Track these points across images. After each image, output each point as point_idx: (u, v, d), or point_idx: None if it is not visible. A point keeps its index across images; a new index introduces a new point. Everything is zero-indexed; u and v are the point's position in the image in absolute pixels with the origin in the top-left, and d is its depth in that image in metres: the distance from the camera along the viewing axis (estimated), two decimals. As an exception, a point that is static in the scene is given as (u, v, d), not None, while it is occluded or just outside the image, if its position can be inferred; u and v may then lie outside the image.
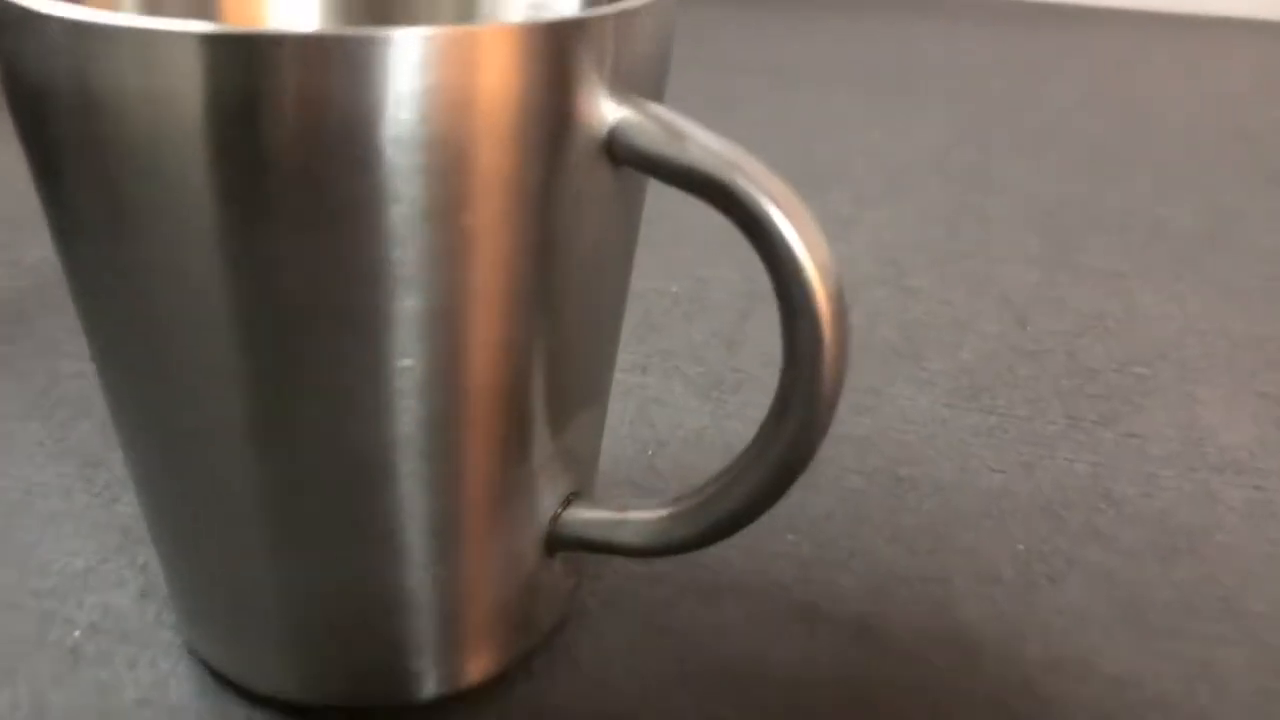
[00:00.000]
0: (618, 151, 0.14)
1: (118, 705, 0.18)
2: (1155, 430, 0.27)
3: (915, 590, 0.21)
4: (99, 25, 0.12)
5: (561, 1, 0.18)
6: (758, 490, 0.15)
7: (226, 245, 0.13)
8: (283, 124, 0.12)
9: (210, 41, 0.11)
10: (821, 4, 0.83)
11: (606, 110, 0.14)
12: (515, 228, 0.13)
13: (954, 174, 0.45)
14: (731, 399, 0.27)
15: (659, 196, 0.41)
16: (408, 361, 0.14)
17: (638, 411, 0.27)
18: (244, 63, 0.11)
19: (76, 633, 0.19)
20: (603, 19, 0.13)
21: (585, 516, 0.17)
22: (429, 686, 0.17)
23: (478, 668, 0.17)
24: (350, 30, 0.11)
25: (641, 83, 0.14)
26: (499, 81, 0.12)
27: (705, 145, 0.14)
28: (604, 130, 0.14)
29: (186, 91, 0.12)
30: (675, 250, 0.36)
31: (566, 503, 0.17)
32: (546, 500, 0.17)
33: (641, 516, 0.17)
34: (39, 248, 0.35)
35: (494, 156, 0.13)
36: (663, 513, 0.17)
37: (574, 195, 0.14)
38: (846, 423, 0.26)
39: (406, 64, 0.12)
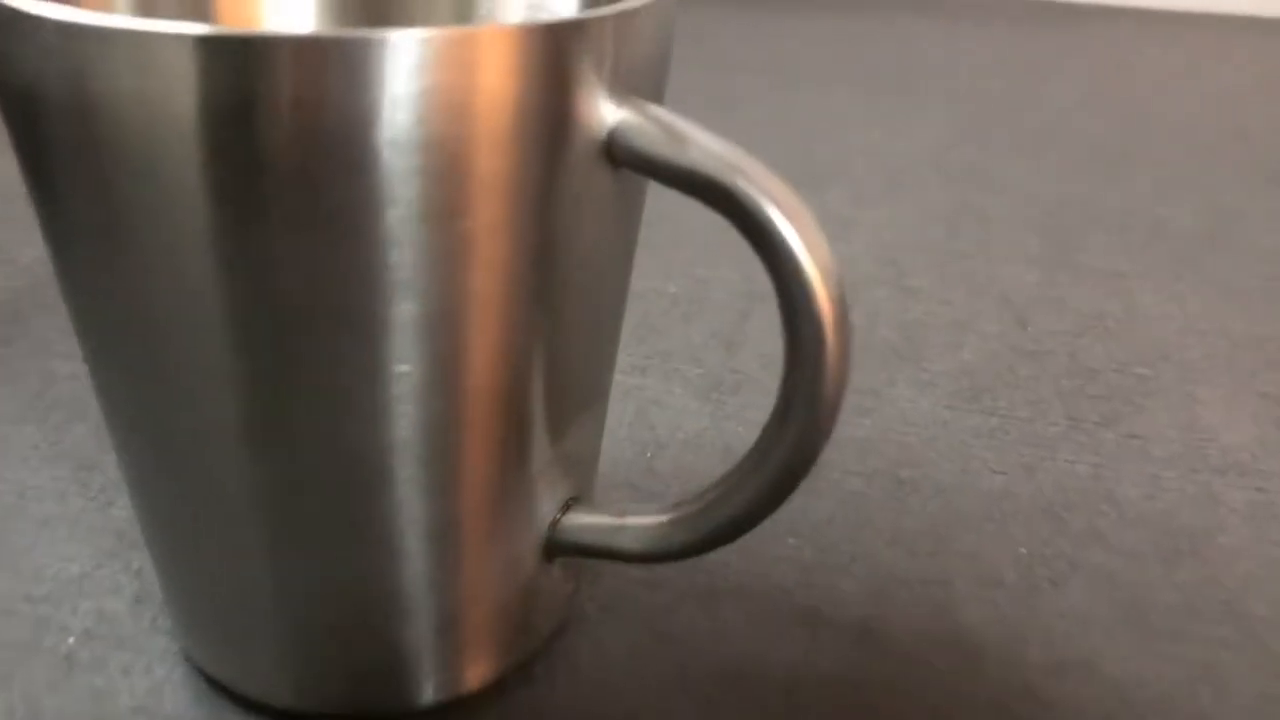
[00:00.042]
0: (617, 154, 0.14)
1: (113, 713, 0.17)
2: (1157, 431, 0.26)
3: (917, 593, 0.21)
4: (92, 27, 0.11)
5: (560, 2, 0.18)
6: (759, 495, 0.15)
7: (221, 249, 0.12)
8: (278, 126, 0.12)
9: (205, 43, 0.11)
10: (821, 3, 0.83)
11: (606, 112, 0.14)
12: (513, 231, 0.13)
13: (954, 174, 0.45)
14: (731, 400, 0.27)
15: (657, 196, 0.41)
16: (405, 366, 0.14)
17: (637, 413, 0.27)
18: (239, 65, 0.11)
19: (71, 639, 0.19)
20: (602, 20, 0.13)
21: (584, 522, 0.17)
22: (427, 693, 0.17)
23: (476, 674, 0.17)
24: (346, 32, 0.11)
25: (641, 84, 0.14)
26: (497, 83, 0.12)
27: (706, 147, 0.13)
28: (603, 132, 0.14)
29: (181, 94, 0.11)
30: (674, 250, 0.36)
31: (565, 508, 0.17)
32: (545, 505, 0.17)
33: (641, 522, 0.17)
34: (33, 248, 0.35)
35: (492, 159, 0.13)
36: (663, 518, 0.16)
37: (573, 198, 0.14)
38: (847, 424, 0.26)
39: (403, 66, 0.12)
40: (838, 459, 0.25)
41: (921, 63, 0.65)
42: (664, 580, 0.21)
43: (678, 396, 0.27)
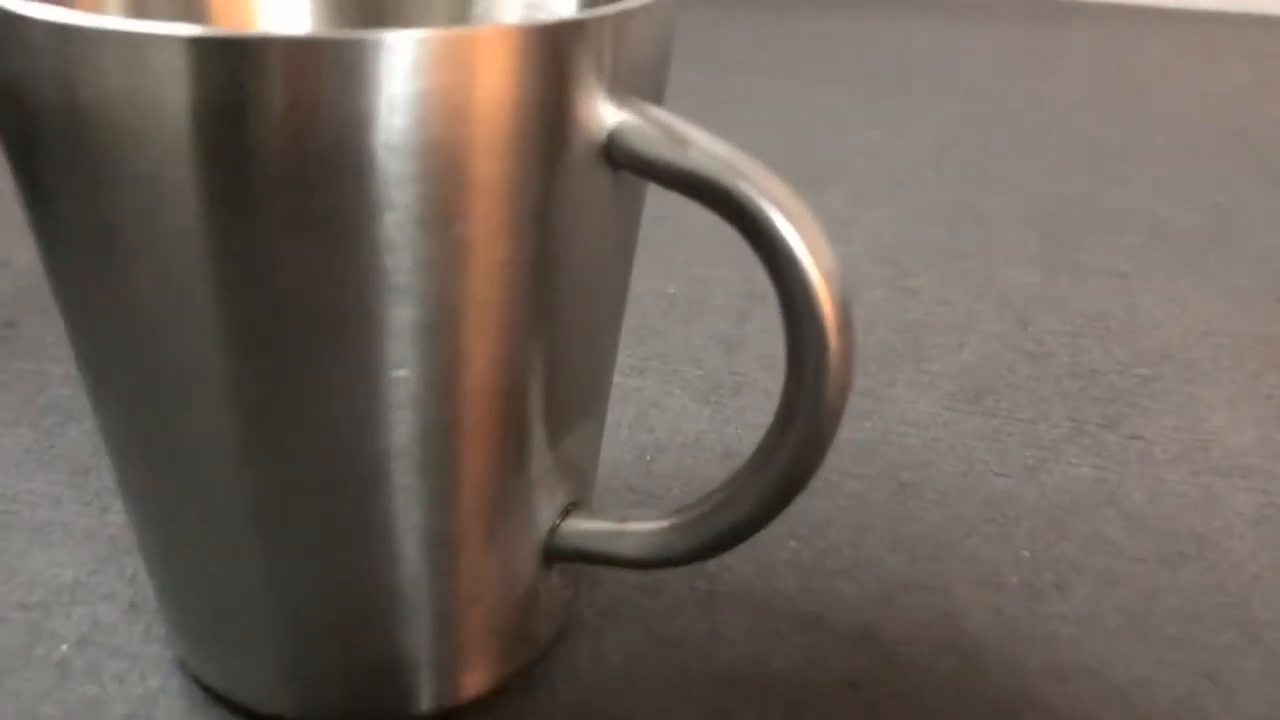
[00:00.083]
0: (617, 156, 0.14)
1: (107, 721, 0.17)
2: (1160, 433, 0.26)
3: (918, 598, 0.21)
4: (83, 28, 0.11)
5: (558, 2, 0.18)
6: (762, 502, 0.15)
7: (214, 254, 0.12)
8: (272, 130, 0.11)
9: (198, 44, 0.11)
10: (820, 3, 0.83)
11: (605, 113, 0.13)
12: (511, 235, 0.13)
13: (954, 173, 0.45)
14: (731, 403, 0.27)
15: (657, 197, 0.41)
16: (402, 371, 0.13)
17: (636, 416, 0.26)
18: (232, 67, 0.11)
19: (64, 647, 0.19)
20: (601, 20, 0.13)
21: (584, 528, 0.17)
22: (425, 701, 0.17)
23: (475, 681, 0.17)
24: (341, 33, 0.11)
25: (641, 85, 0.14)
26: (495, 85, 0.12)
27: (707, 149, 0.13)
28: (603, 134, 0.13)
29: (173, 97, 0.11)
30: (673, 251, 0.36)
31: (565, 513, 0.17)
32: (544, 511, 0.16)
33: (641, 528, 0.16)
34: (26, 250, 0.35)
35: (490, 162, 0.12)
36: (664, 524, 0.16)
37: (572, 201, 0.14)
38: (847, 426, 0.26)
39: (399, 67, 0.11)
40: (838, 461, 0.25)
41: (921, 62, 0.65)
42: (663, 585, 0.21)
43: (677, 398, 0.27)
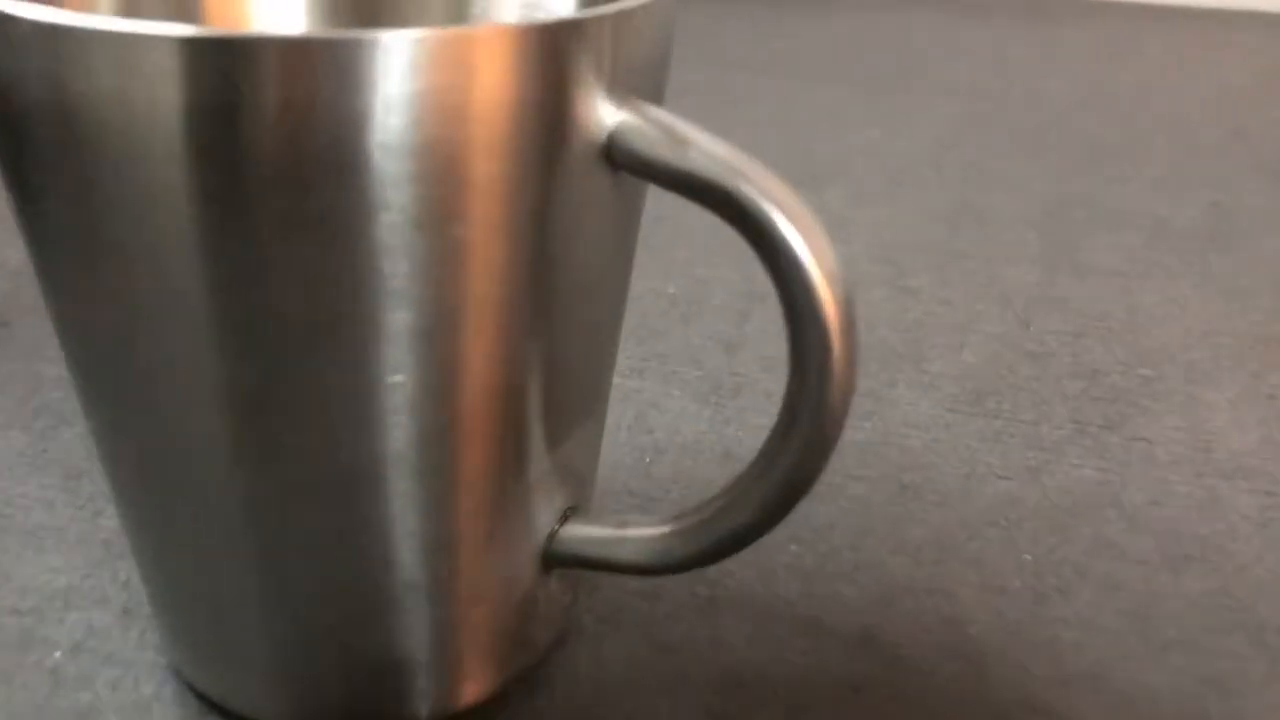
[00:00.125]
0: (616, 156, 0.13)
1: (101, 728, 0.17)
2: (1163, 434, 0.26)
3: (920, 601, 0.20)
4: (74, 28, 0.11)
5: (557, 1, 0.18)
6: (764, 507, 0.15)
7: (207, 255, 0.12)
8: (266, 131, 0.11)
9: (191, 44, 0.11)
10: (820, 1, 0.82)
11: (605, 114, 0.13)
12: (510, 237, 0.13)
13: (953, 172, 0.45)
14: (730, 404, 0.27)
15: (657, 197, 0.41)
16: (399, 376, 0.13)
17: (635, 417, 0.26)
18: (225, 67, 0.11)
19: (57, 653, 0.18)
20: (600, 19, 0.13)
21: (583, 533, 0.17)
22: (423, 707, 0.17)
23: (474, 687, 0.17)
24: (337, 32, 0.11)
25: (641, 85, 0.14)
26: (493, 85, 0.12)
27: (707, 150, 0.13)
28: (602, 135, 0.13)
29: (166, 97, 0.11)
30: (673, 251, 0.36)
31: (564, 518, 0.17)
32: (543, 516, 0.16)
33: (642, 533, 0.16)
34: (18, 251, 0.34)
35: (488, 163, 0.12)
36: (664, 529, 0.16)
37: (571, 202, 0.13)
38: (848, 428, 0.26)
39: (396, 67, 0.11)
40: (839, 464, 0.25)
41: (921, 61, 0.65)
42: (663, 591, 0.20)
43: (677, 399, 0.27)
